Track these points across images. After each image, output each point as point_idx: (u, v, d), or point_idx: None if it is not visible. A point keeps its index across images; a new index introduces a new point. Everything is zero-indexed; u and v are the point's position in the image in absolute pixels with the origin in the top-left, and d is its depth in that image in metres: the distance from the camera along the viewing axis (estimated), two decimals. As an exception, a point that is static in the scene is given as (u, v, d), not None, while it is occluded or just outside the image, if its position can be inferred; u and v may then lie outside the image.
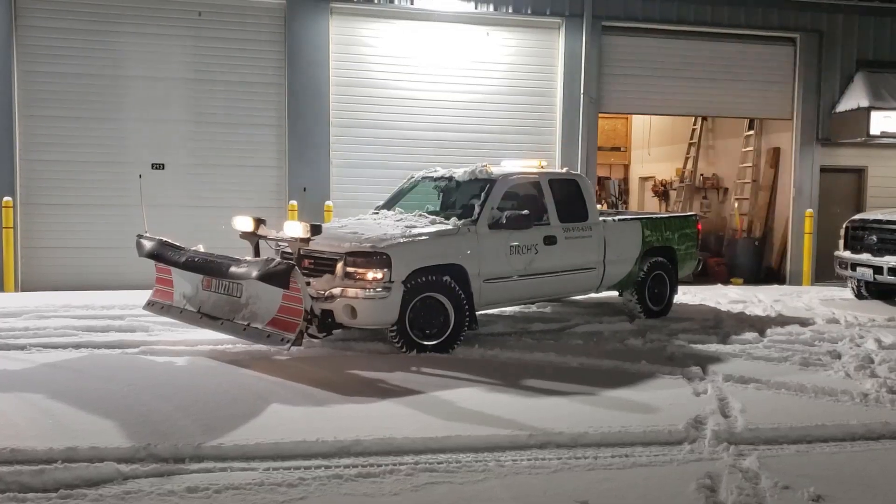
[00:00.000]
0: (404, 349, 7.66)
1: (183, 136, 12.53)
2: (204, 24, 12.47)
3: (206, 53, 12.51)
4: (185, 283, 7.96)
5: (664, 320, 9.89)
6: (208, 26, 12.48)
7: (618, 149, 21.89)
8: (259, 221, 8.26)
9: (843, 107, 14.70)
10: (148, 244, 8.15)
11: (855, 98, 14.47)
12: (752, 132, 16.59)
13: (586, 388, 6.55)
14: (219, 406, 5.86)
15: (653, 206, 19.97)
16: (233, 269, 7.10)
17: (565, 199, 9.25)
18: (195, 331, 8.09)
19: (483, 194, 8.55)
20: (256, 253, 8.35)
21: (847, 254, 11.80)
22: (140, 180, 9.76)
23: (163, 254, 7.95)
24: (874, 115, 14.00)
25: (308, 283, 7.21)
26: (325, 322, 7.36)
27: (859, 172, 15.59)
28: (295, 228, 7.35)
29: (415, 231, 7.95)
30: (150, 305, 8.35)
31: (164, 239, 8.15)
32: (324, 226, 8.05)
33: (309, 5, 12.62)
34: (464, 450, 5.02)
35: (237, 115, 12.64)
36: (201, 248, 7.97)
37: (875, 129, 14.03)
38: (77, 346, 7.75)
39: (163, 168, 12.42)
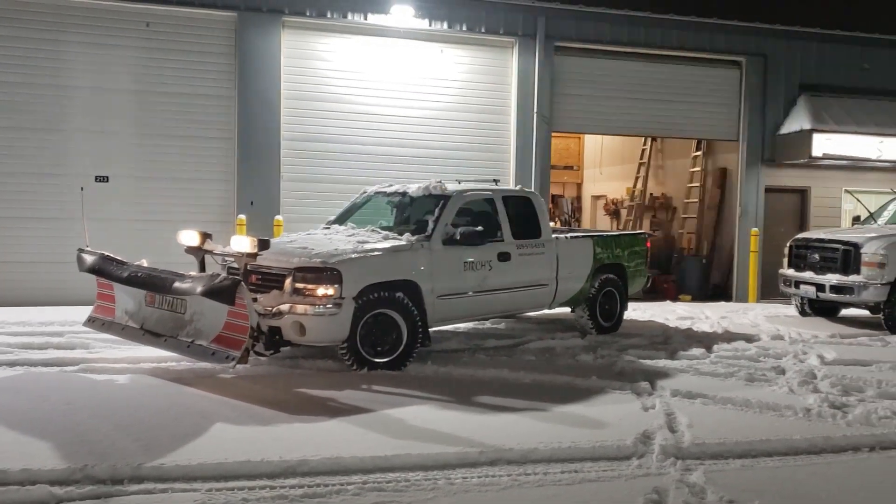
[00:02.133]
0: (355, 367, 7.56)
1: (128, 148, 12.29)
2: (152, 34, 12.28)
3: (153, 65, 12.31)
4: (127, 299, 7.76)
5: (615, 336, 9.97)
6: (156, 37, 12.29)
7: (571, 167, 22.14)
8: (205, 236, 8.10)
9: (786, 129, 15.08)
10: (89, 259, 7.94)
11: (798, 121, 14.86)
12: (699, 153, 16.91)
13: (538, 404, 6.54)
14: (161, 425, 5.70)
15: (605, 225, 20.20)
16: (177, 284, 6.95)
17: (519, 216, 9.29)
18: (138, 348, 7.90)
19: (437, 210, 8.52)
20: (202, 268, 8.17)
21: (791, 272, 12.04)
22: (82, 193, 9.50)
23: (105, 268, 7.75)
24: (816, 137, 14.39)
25: (255, 300, 7.09)
26: (272, 339, 7.21)
27: (802, 193, 15.99)
28: (242, 243, 7.22)
29: (367, 246, 7.87)
30: (91, 322, 8.13)
31: (106, 253, 7.95)
32: (272, 241, 7.92)
33: (260, 18, 12.52)
34: (413, 468, 4.95)
35: (185, 127, 12.44)
36: (145, 263, 7.80)
37: (817, 151, 14.42)
38: (12, 364, 7.49)
39: (107, 181, 12.15)
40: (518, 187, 10.69)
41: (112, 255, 7.92)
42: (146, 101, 12.32)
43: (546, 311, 10.15)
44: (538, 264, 9.29)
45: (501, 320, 10.70)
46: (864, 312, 11.91)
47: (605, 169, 21.00)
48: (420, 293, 7.93)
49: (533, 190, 11.47)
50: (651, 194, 18.74)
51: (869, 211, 12.99)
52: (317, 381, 7.26)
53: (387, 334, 7.70)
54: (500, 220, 9.03)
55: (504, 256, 8.82)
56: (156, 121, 12.36)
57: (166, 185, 12.40)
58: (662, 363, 8.30)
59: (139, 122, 12.31)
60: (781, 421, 6.22)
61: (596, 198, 21.59)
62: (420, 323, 7.83)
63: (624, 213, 19.30)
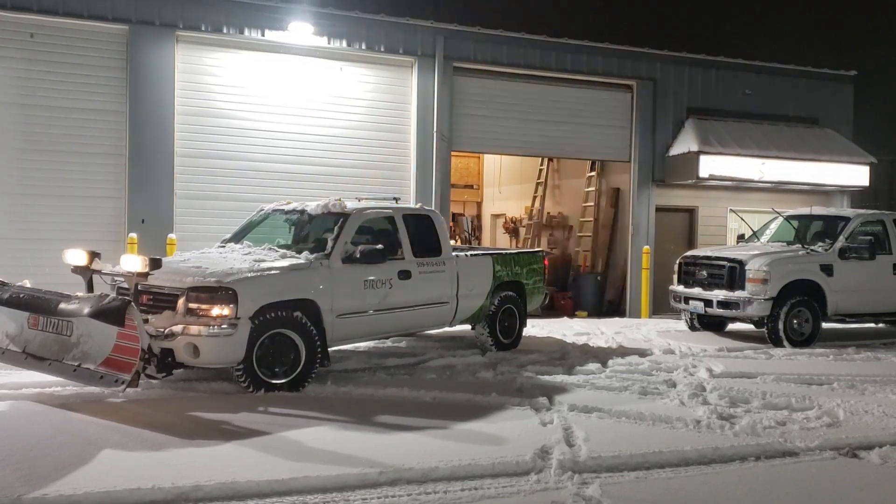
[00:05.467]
0: (251, 389, 7.37)
1: (11, 163, 11.70)
2: (36, 46, 11.77)
3: (38, 77, 11.80)
4: (8, 322, 7.34)
5: (514, 352, 10.09)
6: (41, 49, 11.80)
7: (471, 186, 22.39)
8: (93, 255, 7.76)
9: (675, 150, 15.71)
10: (-34, 280, 7.48)
11: (686, 143, 15.51)
12: (594, 173, 17.40)
13: (438, 422, 6.54)
14: (44, 454, 5.40)
15: (504, 243, 20.49)
16: (62, 305, 6.63)
17: (419, 234, 9.31)
18: (20, 373, 7.50)
19: (336, 228, 8.45)
20: (90, 289, 7.83)
21: (681, 288, 12.46)
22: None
23: (-17, 290, 7.32)
24: (703, 158, 15.05)
25: (146, 321, 6.83)
26: (164, 361, 6.97)
27: (691, 212, 16.66)
28: (132, 262, 6.96)
29: (264, 265, 7.72)
30: (-32, 346, 7.63)
31: (-15, 274, 7.52)
32: (165, 260, 7.68)
33: (152, 32, 12.17)
34: (311, 491, 4.86)
35: (73, 142, 11.95)
36: (28, 284, 7.42)
37: (704, 172, 15.08)
38: None
39: (-14, 197, 11.54)
40: (418, 205, 10.73)
41: (-9, 276, 7.51)
42: (31, 114, 11.78)
43: (447, 329, 10.19)
44: (439, 282, 9.32)
45: (402, 338, 10.68)
46: (750, 326, 12.41)
47: (504, 188, 21.35)
48: (319, 312, 7.83)
49: (433, 208, 11.55)
50: (548, 213, 19.15)
51: (752, 229, 13.62)
52: (211, 404, 7.04)
53: (284, 355, 7.54)
54: (401, 238, 9.03)
55: (404, 274, 8.81)
56: (41, 136, 11.82)
57: (52, 202, 11.86)
58: (560, 378, 8.45)
59: (23, 137, 11.75)
60: (673, 433, 6.41)
61: (495, 216, 21.89)
62: (319, 342, 7.71)
63: (522, 231, 19.64)
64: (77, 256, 7.76)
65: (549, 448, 5.76)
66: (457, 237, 20.27)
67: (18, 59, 11.71)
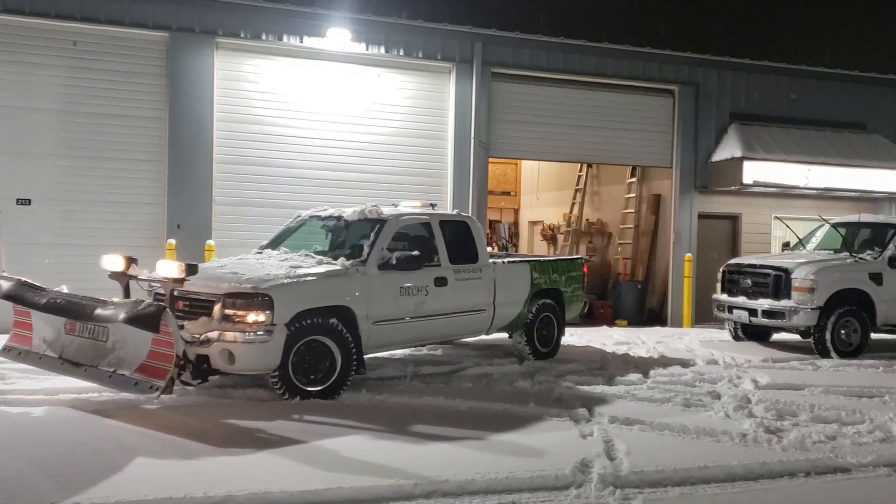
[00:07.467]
0: (286, 396, 7.31)
1: (53, 170, 11.84)
2: (79, 54, 11.91)
3: (81, 84, 11.92)
4: (46, 327, 7.39)
5: (552, 362, 9.92)
6: (84, 56, 11.93)
7: (508, 193, 22.26)
8: (130, 260, 7.79)
9: (718, 156, 15.40)
10: (5, 285, 7.55)
11: (729, 149, 15.19)
12: (634, 179, 17.15)
13: (475, 433, 6.41)
14: (78, 460, 5.38)
15: (541, 250, 20.30)
16: (98, 311, 6.64)
17: (456, 240, 9.21)
18: (56, 378, 7.51)
19: (373, 234, 8.38)
20: (126, 294, 7.86)
21: (724, 297, 12.19)
22: (-1, 216, 9.11)
23: (22, 295, 7.37)
24: (746, 164, 14.72)
25: (182, 327, 6.81)
26: (200, 368, 6.95)
27: (734, 219, 16.33)
28: (168, 268, 6.96)
29: (300, 271, 7.67)
30: (7, 351, 7.72)
31: (24, 279, 7.58)
32: (201, 266, 7.67)
33: (192, 39, 12.25)
34: (345, 502, 4.77)
35: (113, 149, 12.06)
36: (65, 289, 7.47)
37: (748, 179, 14.75)
38: (-81, 396, 7.04)
39: (29, 203, 11.66)
40: (455, 212, 10.63)
41: (29, 281, 7.57)
42: (73, 121, 11.91)
43: (483, 337, 10.05)
44: (475, 289, 9.20)
45: (438, 346, 10.58)
46: (796, 337, 12.12)
47: (542, 195, 21.16)
48: (355, 319, 7.75)
49: (470, 214, 11.44)
50: (587, 220, 18.93)
51: (798, 237, 13.28)
52: (246, 411, 6.99)
53: (320, 362, 7.48)
54: (437, 244, 8.93)
55: (441, 281, 8.71)
56: (83, 142, 11.95)
57: (93, 208, 11.97)
58: (600, 389, 8.26)
59: (65, 144, 11.89)
60: (718, 447, 6.21)
61: (533, 223, 21.72)
62: (354, 350, 7.64)
63: (560, 238, 19.44)
64: (114, 262, 7.80)
65: (589, 461, 5.59)
66: (493, 244, 20.13)
67: (61, 67, 11.85)
